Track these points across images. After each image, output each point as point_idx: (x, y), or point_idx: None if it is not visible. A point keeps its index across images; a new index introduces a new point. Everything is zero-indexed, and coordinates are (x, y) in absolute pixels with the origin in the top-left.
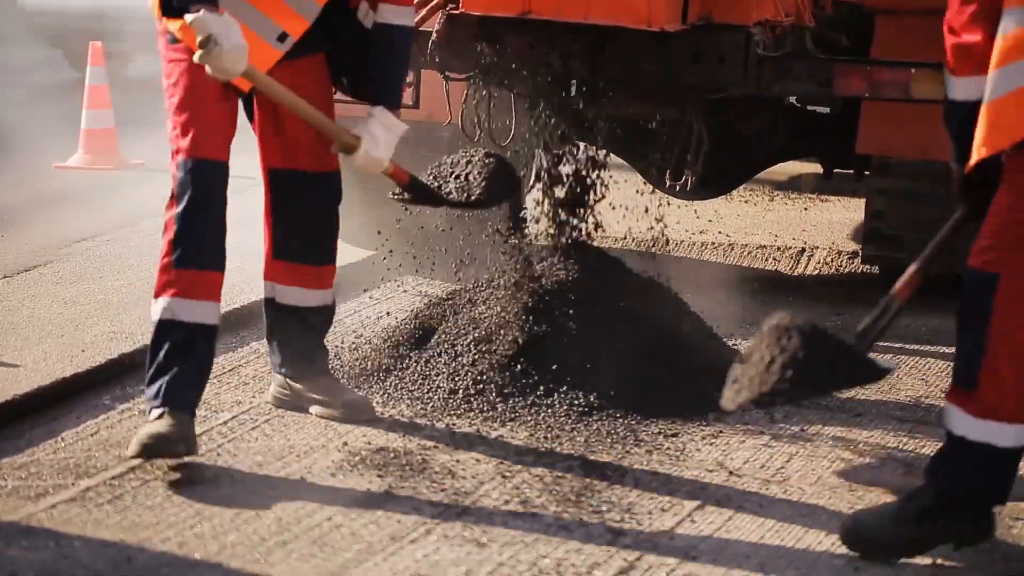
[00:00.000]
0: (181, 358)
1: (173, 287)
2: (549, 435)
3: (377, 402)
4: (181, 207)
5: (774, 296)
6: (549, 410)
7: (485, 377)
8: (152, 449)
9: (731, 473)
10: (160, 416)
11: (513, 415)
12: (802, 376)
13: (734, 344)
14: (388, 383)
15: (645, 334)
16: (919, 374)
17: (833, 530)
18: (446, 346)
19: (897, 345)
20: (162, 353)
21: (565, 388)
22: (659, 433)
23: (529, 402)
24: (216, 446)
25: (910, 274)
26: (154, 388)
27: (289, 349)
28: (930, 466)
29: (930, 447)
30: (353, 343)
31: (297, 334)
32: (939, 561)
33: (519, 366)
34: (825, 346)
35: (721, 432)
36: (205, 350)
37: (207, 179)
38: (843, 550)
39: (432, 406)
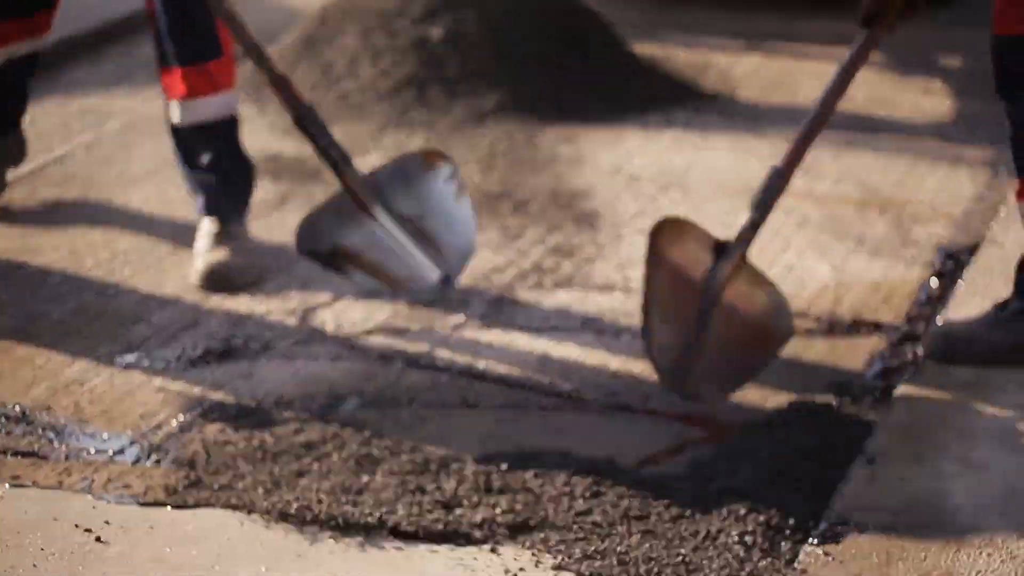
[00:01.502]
0: None
1: None
2: (446, 142)
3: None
4: None
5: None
6: (446, 116)
7: (378, 83)
8: None
9: (630, 178)
10: None
11: (408, 121)
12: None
13: (631, 48)
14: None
15: (544, 37)
16: (822, 78)
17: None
18: (340, 56)
19: (801, 49)
20: None
21: (462, 93)
22: (557, 138)
23: (425, 108)
24: (109, 153)
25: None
26: None
27: None
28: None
29: (827, 153)
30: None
31: None
32: None
33: (414, 72)
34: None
35: (620, 138)
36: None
37: None
38: None
39: (325, 114)
